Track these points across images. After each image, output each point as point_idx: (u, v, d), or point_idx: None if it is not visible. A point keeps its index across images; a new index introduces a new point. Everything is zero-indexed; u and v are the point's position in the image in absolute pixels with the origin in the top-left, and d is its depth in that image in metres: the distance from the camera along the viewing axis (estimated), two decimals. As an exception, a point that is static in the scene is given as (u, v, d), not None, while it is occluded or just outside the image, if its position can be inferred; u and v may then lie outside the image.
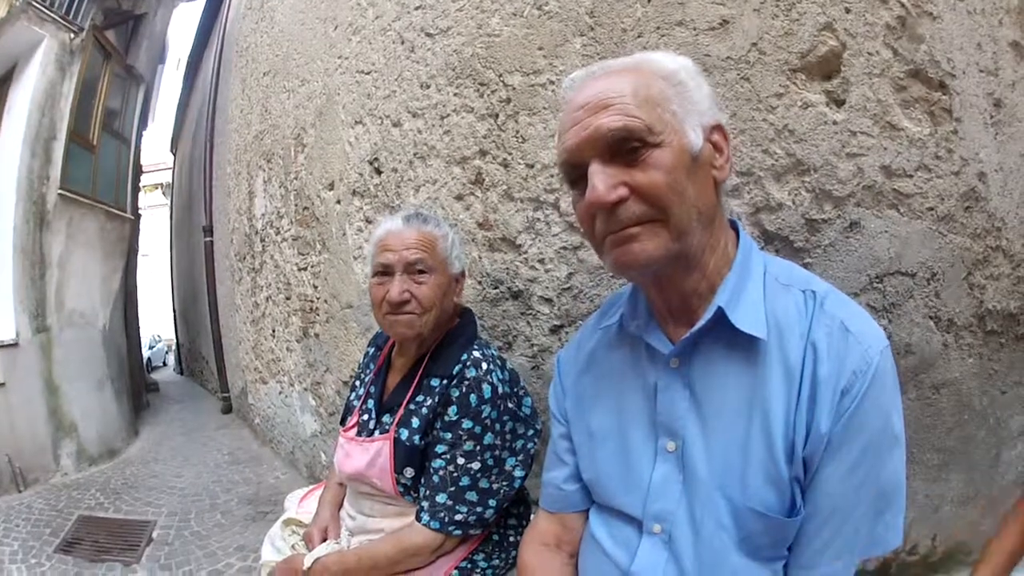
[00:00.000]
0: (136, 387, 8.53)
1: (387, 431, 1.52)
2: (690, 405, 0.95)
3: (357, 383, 1.77)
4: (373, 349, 1.80)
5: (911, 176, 1.60)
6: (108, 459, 5.82)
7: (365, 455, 1.53)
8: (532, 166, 1.95)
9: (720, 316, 0.90)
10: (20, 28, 6.02)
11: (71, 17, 6.59)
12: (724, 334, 0.91)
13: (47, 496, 4.72)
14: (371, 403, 1.62)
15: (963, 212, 1.63)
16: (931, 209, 1.61)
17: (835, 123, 1.60)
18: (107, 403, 6.47)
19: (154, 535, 3.77)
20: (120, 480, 5.13)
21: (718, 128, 0.92)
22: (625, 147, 0.85)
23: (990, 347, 1.72)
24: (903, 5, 1.58)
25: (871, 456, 0.84)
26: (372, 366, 1.74)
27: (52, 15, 6.31)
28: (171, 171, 14.60)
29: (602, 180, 0.85)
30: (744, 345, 0.91)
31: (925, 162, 1.60)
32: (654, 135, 0.85)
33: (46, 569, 3.36)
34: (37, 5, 6.15)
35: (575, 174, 0.90)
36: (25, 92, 6.07)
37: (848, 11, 1.58)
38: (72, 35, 6.55)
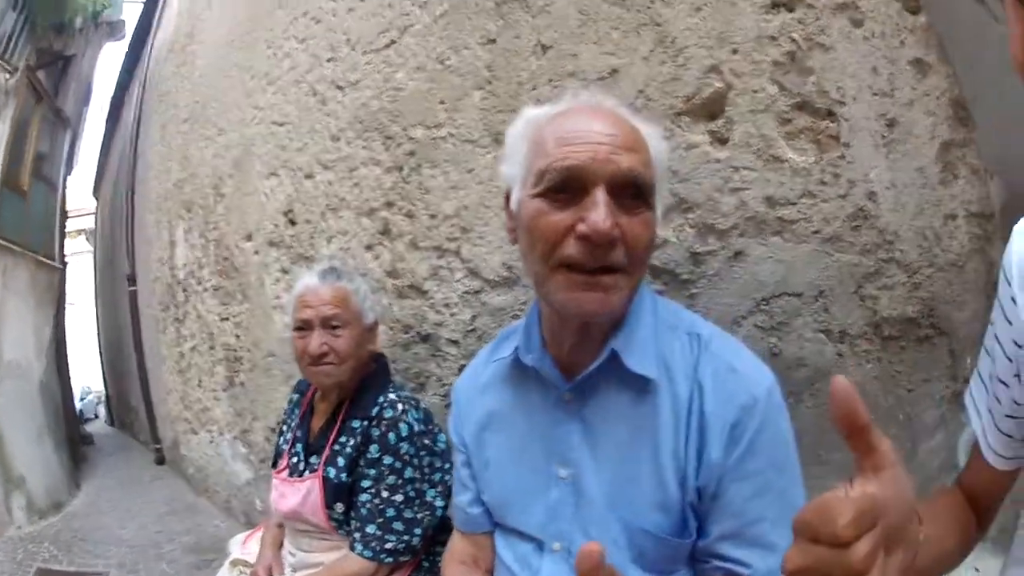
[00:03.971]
0: (72, 440, 8.21)
1: (315, 470, 1.64)
2: (583, 438, 0.99)
3: (284, 427, 1.88)
4: (297, 395, 1.90)
5: (794, 204, 1.66)
6: (55, 512, 5.61)
7: (297, 494, 1.64)
8: (435, 216, 2.02)
9: (613, 357, 0.95)
10: (-42, 67, 5.80)
11: (7, 56, 6.40)
12: (616, 373, 0.96)
13: (5, 548, 4.60)
14: (299, 446, 1.73)
15: (851, 231, 1.68)
16: (816, 232, 1.66)
17: (718, 161, 1.66)
18: (48, 456, 6.24)
19: (108, 586, 3.68)
20: (69, 533, 5.01)
21: None
22: (627, 193, 0.87)
23: (889, 351, 1.77)
24: (794, 40, 1.64)
25: (775, 475, 0.90)
26: (297, 411, 1.85)
27: (-9, 54, 6.12)
28: (94, 217, 14.16)
29: (608, 215, 0.84)
30: (635, 384, 0.96)
31: (810, 189, 1.66)
32: (652, 198, 0.90)
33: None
34: (-25, 43, 5.95)
35: (561, 186, 0.87)
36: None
37: (735, 52, 1.65)
38: (8, 75, 6.33)
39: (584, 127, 0.89)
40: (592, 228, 0.83)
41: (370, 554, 1.54)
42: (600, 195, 0.84)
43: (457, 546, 1.25)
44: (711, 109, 1.68)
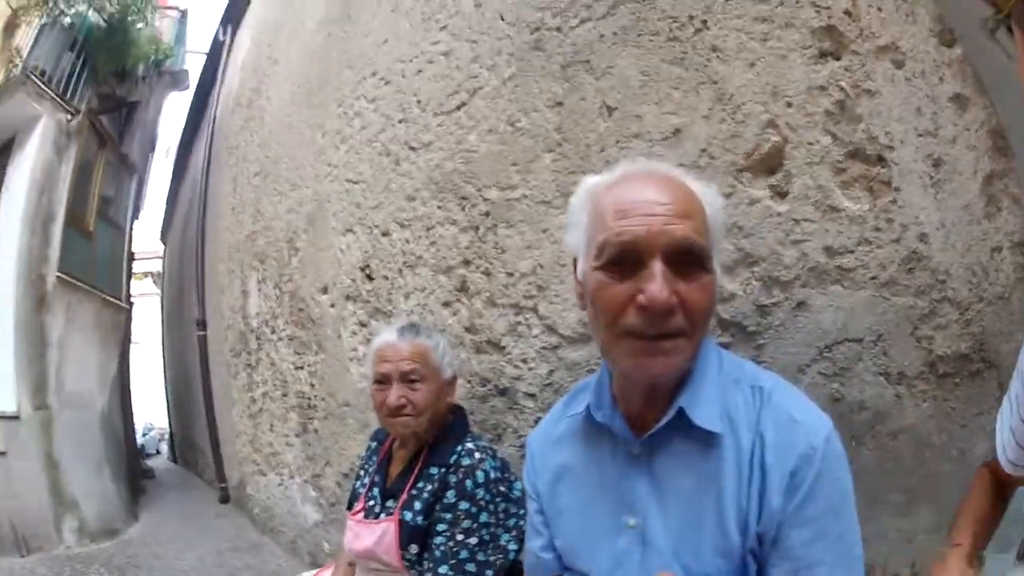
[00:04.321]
0: (133, 472, 8.46)
1: (392, 513, 1.70)
2: (650, 489, 1.03)
3: (361, 472, 1.97)
4: (375, 443, 1.99)
5: (852, 252, 1.68)
6: (109, 538, 5.81)
7: (373, 535, 1.71)
8: (512, 274, 2.09)
9: (680, 414, 0.98)
10: (19, 101, 6.18)
11: (68, 97, 6.73)
12: (683, 428, 0.99)
13: (50, 564, 4.76)
14: (376, 490, 1.81)
15: (906, 274, 1.69)
16: (874, 278, 1.68)
17: (779, 214, 1.70)
18: (106, 484, 6.48)
19: (161, 616, 3.76)
20: (122, 558, 5.14)
21: None
22: (684, 260, 0.90)
23: (944, 389, 1.76)
24: (842, 89, 1.67)
25: (833, 520, 0.92)
26: (375, 457, 1.93)
27: (50, 92, 6.46)
28: (161, 260, 14.69)
29: (665, 285, 0.88)
30: (702, 437, 0.99)
31: (865, 236, 1.68)
32: (709, 262, 0.94)
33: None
34: (35, 79, 6.28)
35: (620, 259, 0.92)
36: (23, 169, 6.22)
37: (789, 105, 1.69)
38: (69, 117, 6.68)
39: (638, 197, 0.94)
40: (650, 300, 0.87)
41: None
42: (657, 266, 0.89)
43: None
44: (770, 164, 1.73)
